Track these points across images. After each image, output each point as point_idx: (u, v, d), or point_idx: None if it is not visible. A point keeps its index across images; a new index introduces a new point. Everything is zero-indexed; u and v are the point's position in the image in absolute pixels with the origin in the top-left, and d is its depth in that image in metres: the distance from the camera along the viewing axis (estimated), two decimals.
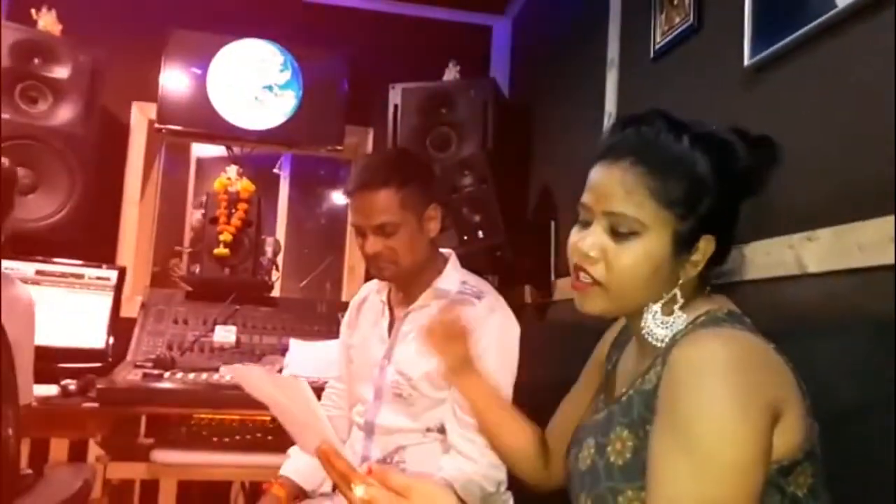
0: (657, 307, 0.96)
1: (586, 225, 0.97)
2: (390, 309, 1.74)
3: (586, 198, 0.97)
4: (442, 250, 1.77)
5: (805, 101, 1.29)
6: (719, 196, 0.93)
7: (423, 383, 1.61)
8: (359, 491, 0.88)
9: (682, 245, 0.93)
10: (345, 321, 1.88)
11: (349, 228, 3.20)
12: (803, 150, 1.24)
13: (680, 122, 0.96)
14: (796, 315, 1.26)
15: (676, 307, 0.95)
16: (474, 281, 1.71)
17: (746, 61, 1.42)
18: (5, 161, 1.67)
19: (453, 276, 1.70)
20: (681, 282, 0.95)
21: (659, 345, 0.95)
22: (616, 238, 0.93)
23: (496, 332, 1.61)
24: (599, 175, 0.96)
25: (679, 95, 1.71)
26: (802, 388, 0.88)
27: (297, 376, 1.02)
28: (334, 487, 0.99)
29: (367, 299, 1.83)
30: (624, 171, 0.93)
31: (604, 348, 1.19)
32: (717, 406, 0.79)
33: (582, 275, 0.96)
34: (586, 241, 0.95)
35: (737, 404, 0.79)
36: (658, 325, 0.96)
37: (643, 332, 0.97)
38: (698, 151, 0.92)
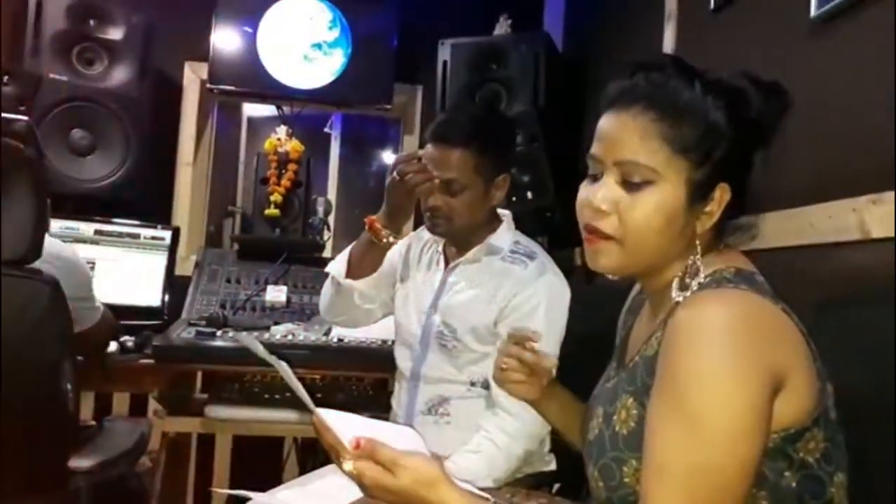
0: (680, 272, 0.91)
1: (596, 179, 0.92)
2: (446, 261, 1.73)
3: (596, 148, 0.92)
4: (499, 210, 1.75)
5: (875, 56, 1.20)
6: (734, 143, 0.88)
7: (467, 336, 1.61)
8: (347, 466, 0.89)
9: (698, 194, 0.88)
10: (405, 242, 1.82)
11: None
12: (871, 107, 1.16)
13: (691, 68, 0.91)
14: (858, 282, 1.19)
15: (699, 261, 0.90)
16: (526, 241, 1.71)
17: (813, 12, 1.34)
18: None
19: (506, 235, 1.70)
20: (699, 233, 0.90)
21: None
22: (629, 189, 0.88)
23: (546, 293, 1.60)
24: (609, 123, 0.91)
25: (740, 50, 1.63)
26: (813, 351, 0.84)
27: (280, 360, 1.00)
28: None
29: (427, 243, 1.80)
30: (635, 117, 0.88)
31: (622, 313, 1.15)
32: (712, 371, 0.76)
33: (596, 232, 0.91)
34: (597, 195, 0.90)
35: (733, 370, 0.76)
36: (682, 288, 0.90)
37: (674, 298, 0.90)
38: (711, 97, 0.88)
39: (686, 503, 0.75)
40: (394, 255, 1.78)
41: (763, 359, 0.78)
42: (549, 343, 1.54)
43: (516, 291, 1.59)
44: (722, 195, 0.89)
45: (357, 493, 1.35)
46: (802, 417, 0.81)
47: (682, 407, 0.77)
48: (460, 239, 1.69)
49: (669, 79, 0.89)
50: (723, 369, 0.76)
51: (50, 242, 1.76)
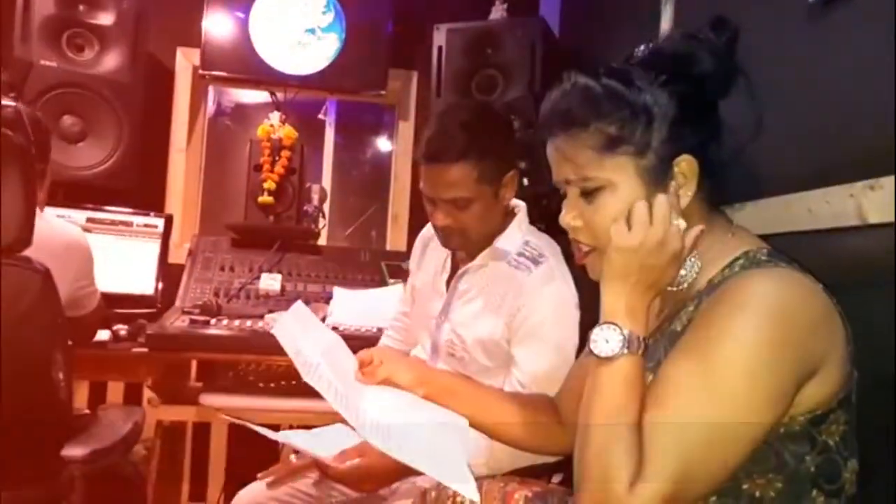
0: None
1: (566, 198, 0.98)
2: (453, 262, 1.65)
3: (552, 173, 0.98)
4: (513, 202, 1.63)
5: (874, 40, 1.19)
6: (677, 111, 0.89)
7: (475, 348, 1.54)
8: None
9: (655, 178, 0.90)
10: (412, 256, 1.80)
11: (393, 176, 3.16)
12: (869, 91, 1.15)
13: (596, 68, 0.94)
14: (856, 268, 1.19)
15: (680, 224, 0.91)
16: (537, 243, 1.57)
17: None
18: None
19: (515, 235, 1.57)
20: (682, 209, 0.91)
21: (684, 285, 0.93)
22: (588, 199, 0.93)
23: (551, 305, 1.49)
24: (548, 151, 0.97)
25: (739, 35, 1.61)
26: (849, 333, 0.85)
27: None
28: None
29: (433, 239, 1.69)
30: (559, 139, 0.94)
31: None
32: (748, 339, 0.78)
33: (580, 246, 0.98)
34: (565, 213, 0.96)
35: (768, 346, 0.78)
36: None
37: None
38: (624, 83, 0.90)
39: (677, 449, 0.77)
40: (411, 266, 1.78)
41: (800, 346, 0.80)
42: (563, 353, 1.46)
43: (520, 305, 1.48)
44: (687, 166, 0.90)
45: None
46: (830, 399, 0.82)
47: (707, 360, 0.79)
48: (477, 248, 1.58)
49: (572, 90, 0.93)
50: (758, 341, 0.78)
51: (58, 225, 1.75)
